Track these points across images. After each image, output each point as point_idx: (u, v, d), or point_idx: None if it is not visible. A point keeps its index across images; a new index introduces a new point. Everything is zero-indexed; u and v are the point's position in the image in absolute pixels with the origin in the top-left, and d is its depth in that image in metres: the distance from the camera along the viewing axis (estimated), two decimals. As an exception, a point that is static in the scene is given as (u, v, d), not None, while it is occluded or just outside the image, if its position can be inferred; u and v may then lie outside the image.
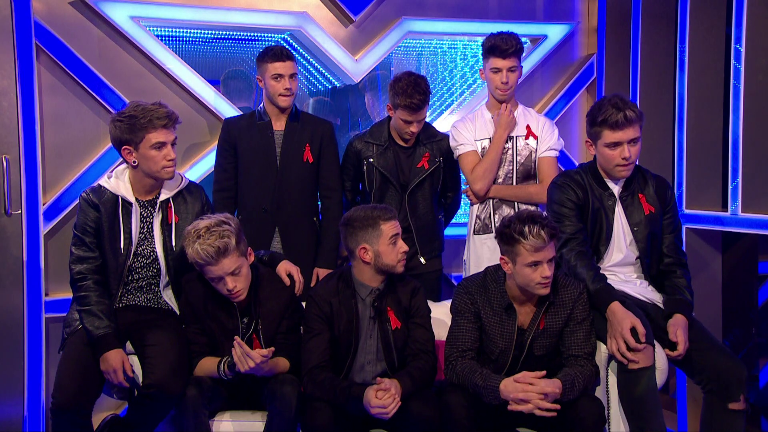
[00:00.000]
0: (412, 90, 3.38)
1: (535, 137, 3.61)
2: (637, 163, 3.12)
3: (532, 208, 3.57)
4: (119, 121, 2.87)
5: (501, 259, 2.82)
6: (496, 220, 3.56)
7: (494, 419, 2.80)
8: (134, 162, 2.90)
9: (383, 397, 2.64)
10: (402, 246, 2.90)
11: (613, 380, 2.89)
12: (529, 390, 2.62)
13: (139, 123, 2.85)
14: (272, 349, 2.71)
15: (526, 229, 2.69)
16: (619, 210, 3.08)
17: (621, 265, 3.09)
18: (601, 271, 3.05)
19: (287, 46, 4.15)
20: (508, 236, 2.73)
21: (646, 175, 3.15)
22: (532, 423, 2.81)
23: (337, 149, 3.65)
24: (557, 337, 2.85)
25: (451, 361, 2.82)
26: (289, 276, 3.04)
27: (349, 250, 2.93)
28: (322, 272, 3.47)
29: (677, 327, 2.86)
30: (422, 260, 3.57)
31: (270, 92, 3.48)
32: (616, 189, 3.09)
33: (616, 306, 2.82)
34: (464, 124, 3.65)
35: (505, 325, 2.84)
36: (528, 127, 3.62)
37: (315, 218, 3.61)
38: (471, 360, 2.81)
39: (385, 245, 2.86)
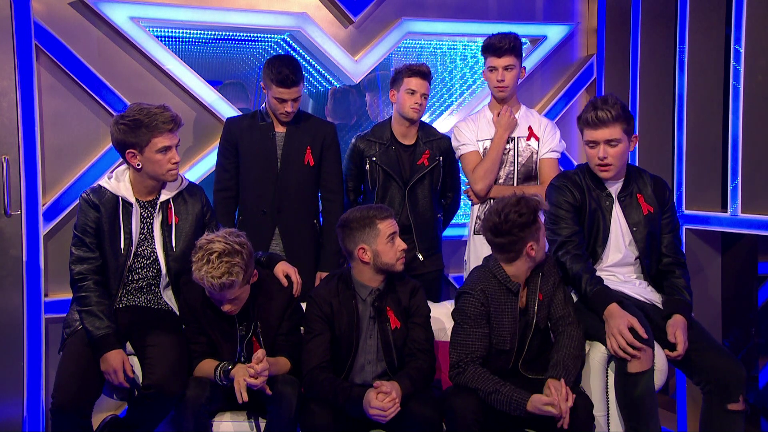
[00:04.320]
0: (417, 63, 3.58)
1: (537, 139, 3.62)
2: (636, 164, 3.12)
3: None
4: (123, 124, 2.86)
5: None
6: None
7: (501, 422, 2.79)
8: (138, 165, 2.90)
9: (384, 400, 2.64)
10: (400, 244, 2.91)
11: (612, 380, 2.89)
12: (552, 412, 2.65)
13: (145, 127, 2.85)
14: (264, 364, 2.69)
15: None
16: (617, 210, 3.08)
17: (620, 266, 3.09)
18: (601, 272, 3.05)
19: (287, 47, 4.16)
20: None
21: (644, 175, 3.16)
22: (536, 425, 2.81)
23: (339, 151, 3.64)
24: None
25: (461, 365, 2.79)
26: (287, 277, 3.04)
27: (347, 252, 2.94)
28: (324, 276, 3.47)
29: (676, 328, 2.86)
30: (420, 257, 3.58)
31: (272, 106, 3.48)
32: (613, 189, 3.10)
33: (613, 307, 2.83)
34: (466, 125, 3.67)
35: (510, 309, 2.88)
36: (530, 128, 3.63)
37: (315, 221, 3.60)
38: (480, 367, 2.80)
39: (383, 244, 2.87)
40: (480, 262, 3.50)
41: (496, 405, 2.70)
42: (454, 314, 2.93)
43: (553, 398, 2.65)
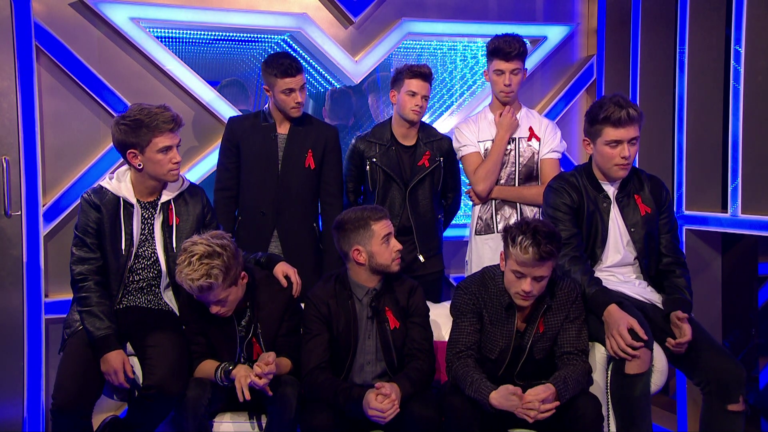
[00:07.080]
0: (419, 64, 3.55)
1: (538, 139, 3.62)
2: (636, 164, 3.12)
3: (534, 210, 3.59)
4: (124, 124, 2.86)
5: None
6: (498, 220, 3.58)
7: (497, 420, 2.79)
8: (139, 165, 2.90)
9: (383, 402, 2.64)
10: (395, 245, 2.91)
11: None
12: (516, 402, 2.61)
13: (146, 127, 2.85)
14: (272, 367, 2.69)
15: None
16: (615, 211, 3.08)
17: (619, 266, 3.09)
18: (600, 272, 3.05)
19: (287, 48, 4.16)
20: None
21: (642, 175, 3.16)
22: (537, 425, 2.80)
23: (340, 155, 3.63)
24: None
25: (451, 363, 2.81)
26: (287, 278, 3.03)
27: (342, 253, 2.93)
28: None
29: (683, 320, 2.86)
30: (421, 258, 3.58)
31: (280, 105, 3.47)
32: (611, 191, 3.10)
33: (612, 308, 2.82)
34: (467, 126, 3.68)
35: (505, 324, 2.84)
36: (531, 129, 3.64)
37: (314, 223, 3.60)
38: (468, 360, 2.79)
39: (377, 245, 2.87)
40: (481, 262, 3.52)
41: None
42: (451, 309, 2.93)
43: (528, 394, 2.61)
